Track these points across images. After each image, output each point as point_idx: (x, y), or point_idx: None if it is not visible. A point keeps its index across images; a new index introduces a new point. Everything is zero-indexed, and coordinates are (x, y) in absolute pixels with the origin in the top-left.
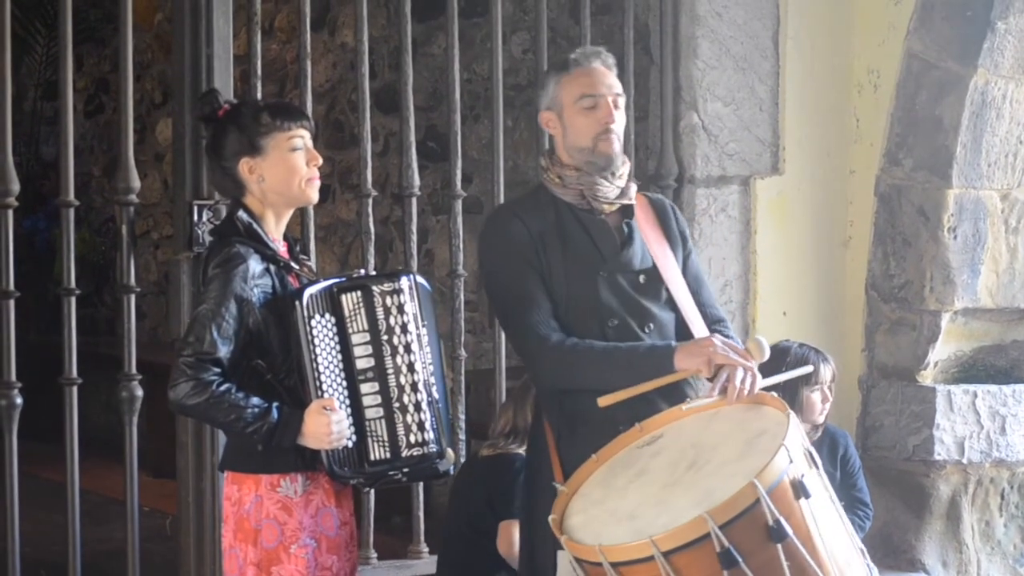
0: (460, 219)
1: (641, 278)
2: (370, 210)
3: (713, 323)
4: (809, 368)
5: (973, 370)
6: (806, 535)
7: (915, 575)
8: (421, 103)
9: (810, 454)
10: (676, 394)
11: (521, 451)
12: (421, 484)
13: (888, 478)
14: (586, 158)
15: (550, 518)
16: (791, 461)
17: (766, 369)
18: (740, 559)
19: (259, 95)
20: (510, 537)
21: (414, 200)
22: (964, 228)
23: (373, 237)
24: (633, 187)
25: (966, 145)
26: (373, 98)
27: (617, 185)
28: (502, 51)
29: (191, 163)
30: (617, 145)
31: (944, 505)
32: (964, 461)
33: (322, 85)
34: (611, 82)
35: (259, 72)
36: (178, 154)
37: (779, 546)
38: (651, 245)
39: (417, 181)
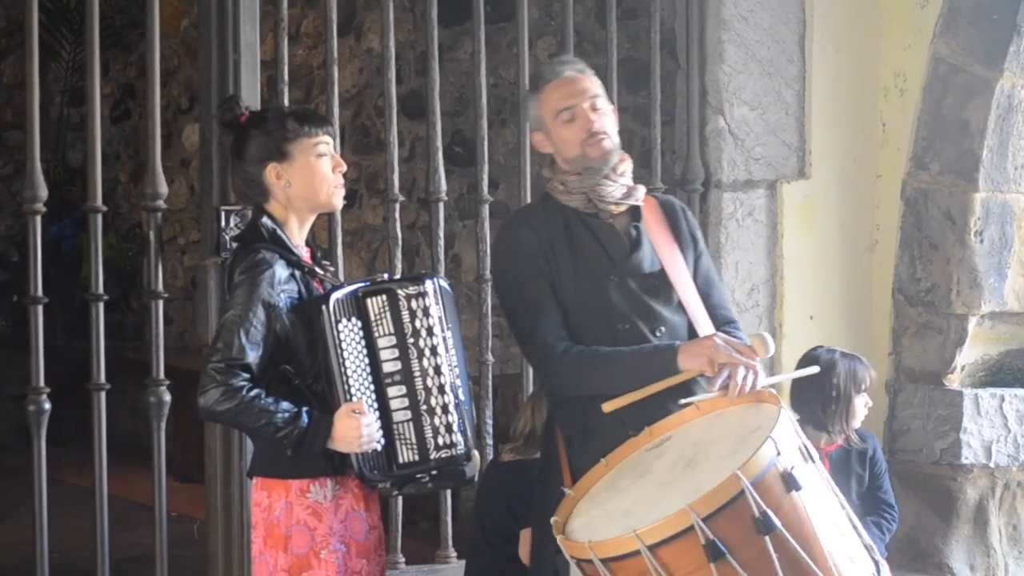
0: (487, 224)
1: (652, 281)
2: (397, 215)
3: (724, 324)
4: (816, 369)
5: (1000, 374)
6: (798, 528)
7: None
8: (447, 108)
9: (805, 448)
10: (684, 395)
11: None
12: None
13: (915, 482)
14: (581, 164)
15: (552, 519)
16: (778, 453)
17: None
18: (726, 551)
19: (286, 101)
20: (528, 544)
21: (441, 205)
22: (991, 232)
23: (400, 242)
24: (641, 189)
25: (992, 148)
26: (399, 103)
27: (621, 183)
28: (528, 56)
29: (218, 169)
30: (608, 143)
31: (971, 509)
32: (991, 465)
33: (348, 90)
34: (584, 86)
35: (286, 78)
36: (205, 160)
37: (767, 538)
38: (660, 247)
39: (444, 186)
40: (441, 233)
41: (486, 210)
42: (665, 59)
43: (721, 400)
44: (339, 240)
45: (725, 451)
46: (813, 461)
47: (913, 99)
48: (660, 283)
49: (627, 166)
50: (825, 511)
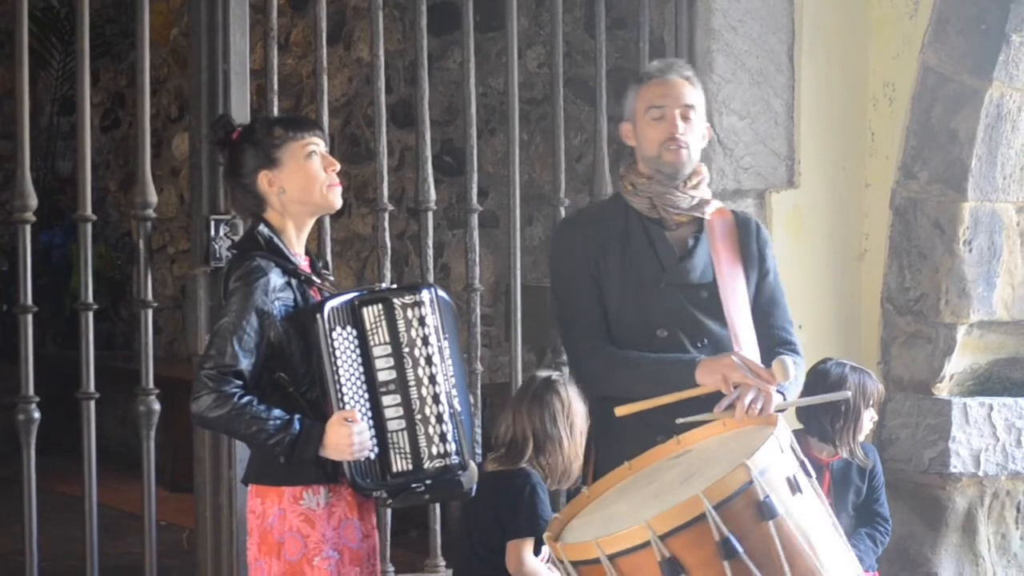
0: (476, 233)
1: (700, 293)
2: (386, 224)
3: (778, 345)
4: (847, 394)
5: (989, 383)
6: (764, 557)
7: None
8: (437, 117)
9: (794, 478)
10: (706, 409)
11: (525, 466)
12: None
13: (904, 491)
14: (654, 167)
15: (554, 516)
16: (751, 481)
17: (819, 389)
18: (684, 571)
19: (275, 110)
20: (519, 556)
21: (430, 214)
22: (979, 241)
23: (389, 251)
24: (713, 204)
25: (981, 158)
26: (389, 112)
27: (690, 195)
28: (517, 65)
29: (208, 178)
30: (684, 155)
31: (960, 518)
32: (980, 474)
33: (338, 99)
34: (682, 93)
35: (275, 87)
36: (195, 169)
37: (727, 563)
38: (719, 261)
39: (433, 195)
40: (430, 243)
41: (475, 219)
42: None
43: (721, 418)
44: (328, 249)
45: (718, 471)
46: (801, 492)
47: (902, 108)
48: (710, 295)
49: (701, 180)
50: (808, 542)
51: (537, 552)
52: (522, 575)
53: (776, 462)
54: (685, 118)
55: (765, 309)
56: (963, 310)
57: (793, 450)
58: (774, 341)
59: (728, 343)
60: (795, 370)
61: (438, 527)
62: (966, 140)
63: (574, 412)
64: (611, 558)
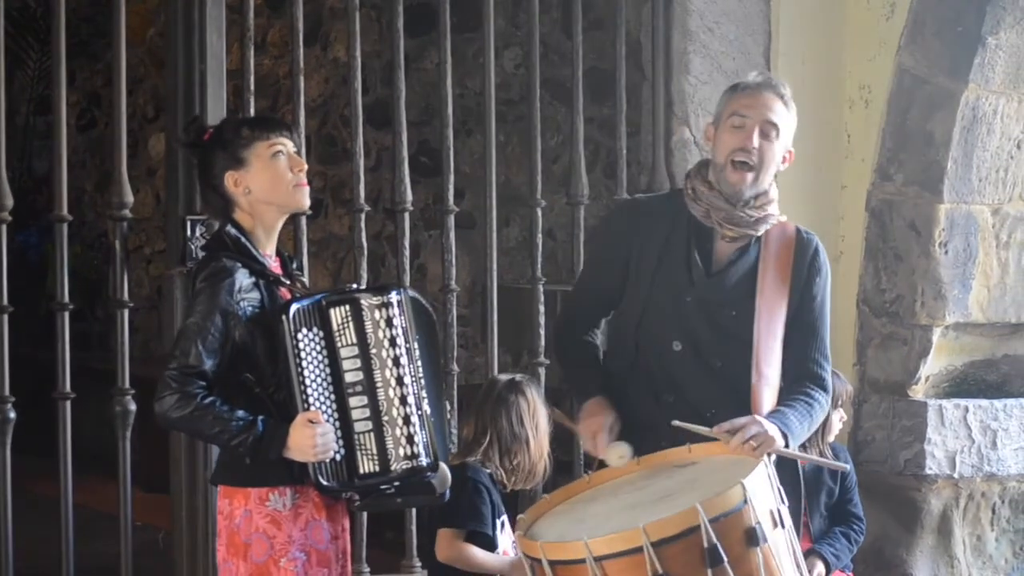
0: (452, 234)
1: (727, 311)
2: (363, 225)
3: (804, 378)
4: (847, 467)
5: (964, 384)
6: None
7: None
8: (413, 118)
9: (754, 530)
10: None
11: (472, 461)
12: None
13: (880, 492)
14: (718, 178)
15: (545, 496)
16: (700, 526)
17: None
18: None
19: (252, 110)
20: (447, 544)
21: (406, 215)
22: (955, 243)
23: (366, 252)
24: (770, 222)
25: (957, 160)
26: (365, 113)
27: (750, 214)
28: (494, 66)
29: (184, 178)
30: (749, 175)
31: (935, 519)
32: (955, 475)
33: (314, 100)
34: (769, 108)
35: (252, 87)
36: (171, 169)
37: None
38: (764, 280)
39: (409, 196)
40: (407, 243)
41: (451, 220)
42: (631, 70)
43: (713, 435)
44: (305, 250)
45: (692, 498)
46: (765, 542)
47: (878, 110)
48: (739, 315)
49: (767, 202)
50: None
51: (493, 548)
52: (451, 561)
53: (735, 509)
54: (764, 135)
55: (800, 338)
56: (939, 312)
57: (779, 491)
58: (801, 373)
59: (745, 365)
60: (801, 424)
61: (414, 528)
62: (942, 142)
63: (539, 413)
64: (552, 564)
